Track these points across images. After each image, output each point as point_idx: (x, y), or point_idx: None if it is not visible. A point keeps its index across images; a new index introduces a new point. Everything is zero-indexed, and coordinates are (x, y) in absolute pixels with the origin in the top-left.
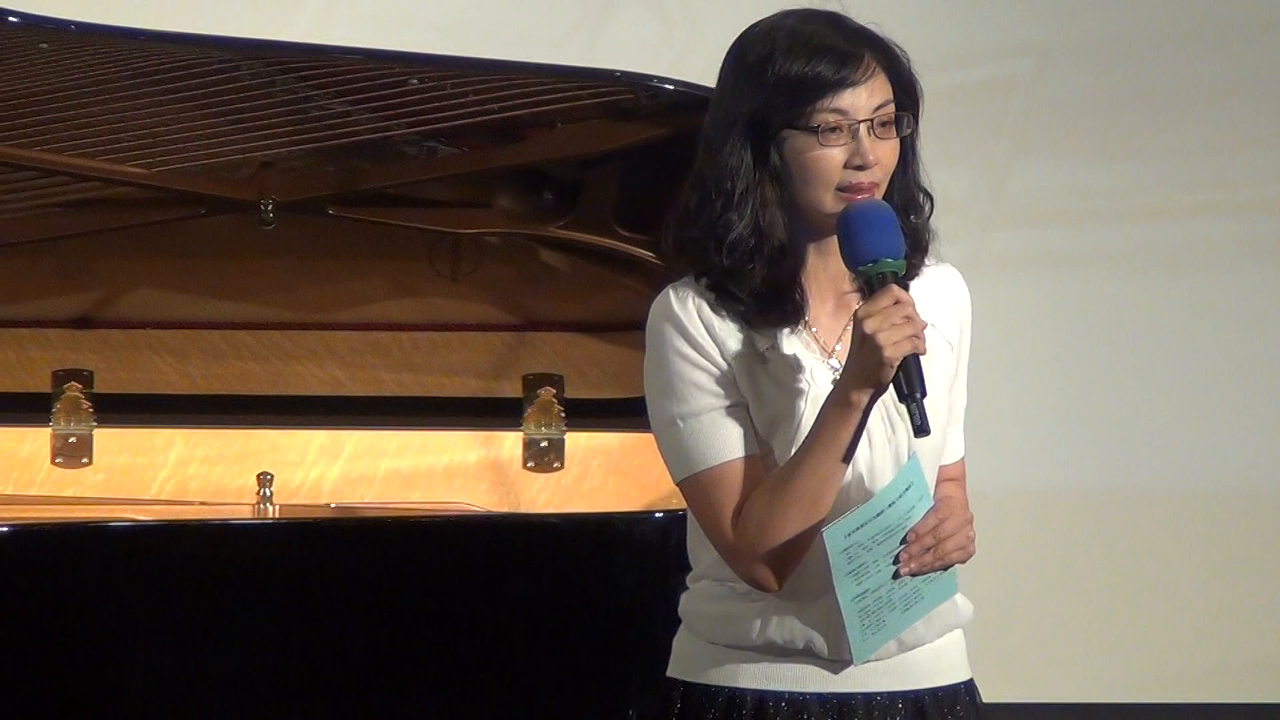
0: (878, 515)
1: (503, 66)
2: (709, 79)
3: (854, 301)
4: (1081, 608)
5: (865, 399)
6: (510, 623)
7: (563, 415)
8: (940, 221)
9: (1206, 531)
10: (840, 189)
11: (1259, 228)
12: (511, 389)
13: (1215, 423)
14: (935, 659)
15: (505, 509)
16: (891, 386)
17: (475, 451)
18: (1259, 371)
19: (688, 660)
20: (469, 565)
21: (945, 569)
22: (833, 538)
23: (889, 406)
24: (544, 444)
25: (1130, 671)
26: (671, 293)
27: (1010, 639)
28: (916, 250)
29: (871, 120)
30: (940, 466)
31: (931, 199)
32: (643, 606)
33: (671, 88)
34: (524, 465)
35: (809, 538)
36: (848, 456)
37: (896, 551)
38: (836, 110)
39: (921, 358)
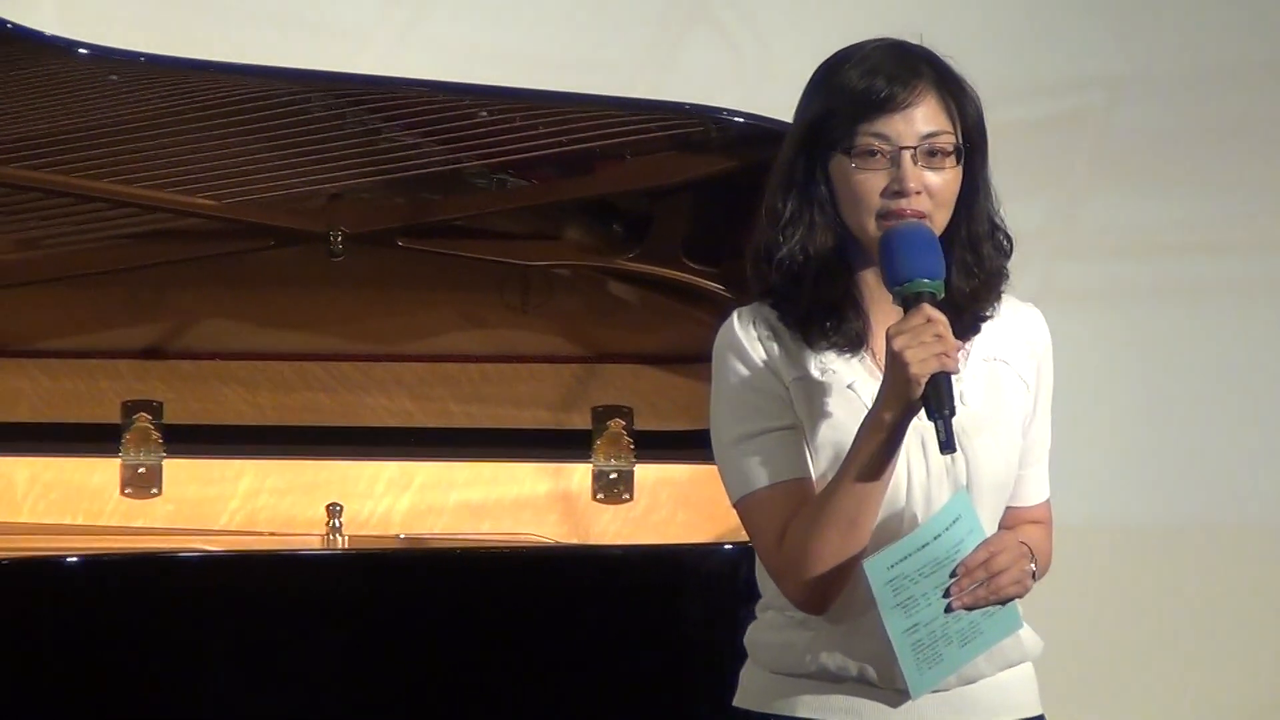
0: (923, 547)
1: (573, 99)
2: (779, 112)
3: None
4: (1160, 641)
5: (896, 417)
6: (579, 655)
7: (632, 447)
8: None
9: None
10: (882, 215)
11: None
12: (581, 420)
13: None
14: (1000, 693)
15: (574, 540)
16: (924, 406)
17: (544, 483)
18: None
19: (751, 691)
20: (538, 597)
21: (1002, 604)
22: (874, 569)
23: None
24: (613, 475)
25: (1211, 707)
26: (735, 316)
27: (1089, 675)
28: (989, 288)
29: (915, 148)
30: (1021, 508)
31: (1010, 239)
32: (712, 638)
33: (741, 120)
34: (593, 497)
35: (852, 561)
36: (884, 476)
37: (947, 585)
38: (878, 134)
39: (979, 387)
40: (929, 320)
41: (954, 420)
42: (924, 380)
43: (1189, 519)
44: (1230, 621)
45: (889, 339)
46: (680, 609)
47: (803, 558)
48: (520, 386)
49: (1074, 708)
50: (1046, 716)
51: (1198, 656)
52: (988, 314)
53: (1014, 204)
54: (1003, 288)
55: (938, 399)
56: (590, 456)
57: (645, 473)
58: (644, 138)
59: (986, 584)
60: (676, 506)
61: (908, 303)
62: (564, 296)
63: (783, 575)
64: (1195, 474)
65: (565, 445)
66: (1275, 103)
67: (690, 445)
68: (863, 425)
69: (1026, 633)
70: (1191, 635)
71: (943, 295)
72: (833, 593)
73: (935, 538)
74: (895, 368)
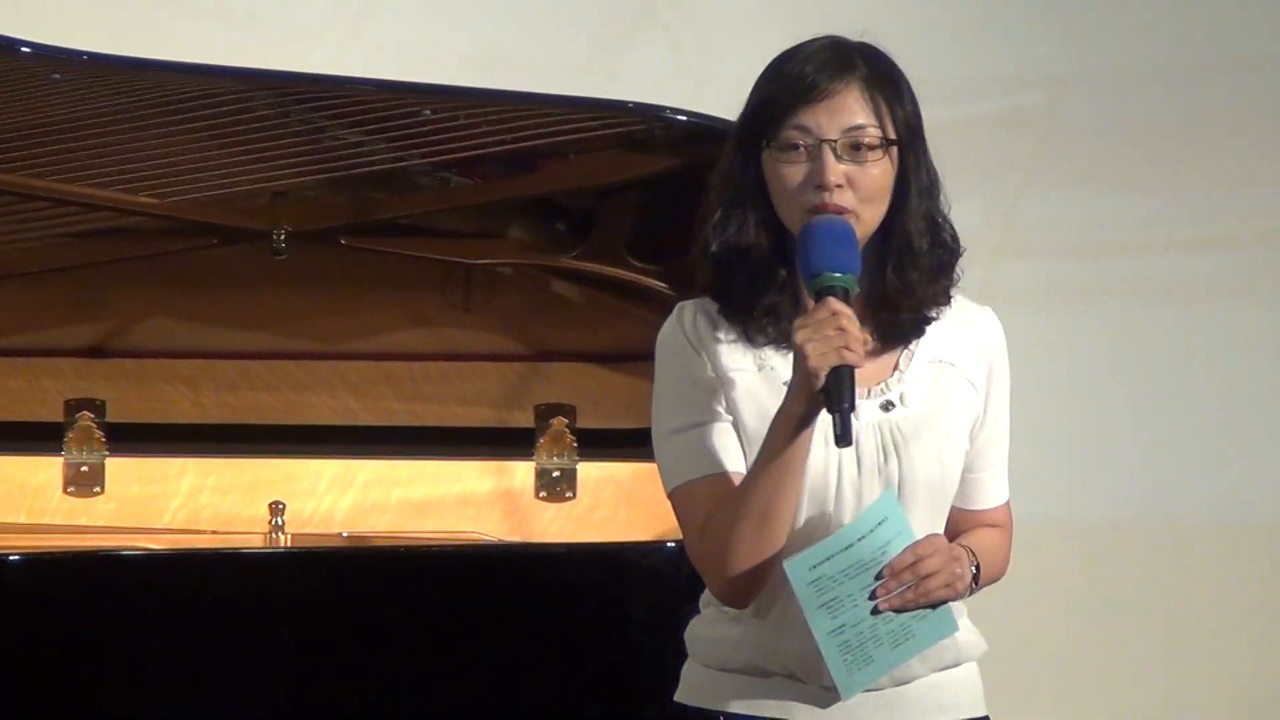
0: (846, 549)
1: (516, 97)
2: (722, 110)
3: None
4: (1119, 640)
5: (802, 410)
6: (522, 652)
7: (575, 445)
8: None
9: (1229, 563)
10: (806, 210)
11: (1272, 260)
12: (524, 419)
13: (1229, 453)
14: (937, 693)
15: (517, 538)
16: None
17: (487, 481)
18: (1275, 402)
19: (690, 686)
20: (481, 595)
21: (933, 607)
22: (795, 569)
23: (884, 433)
24: (556, 474)
25: (1172, 703)
26: (678, 310)
27: (1046, 674)
28: (927, 287)
29: (836, 141)
30: (978, 511)
31: (955, 238)
32: (654, 636)
33: (684, 119)
34: (536, 495)
35: (772, 557)
36: (795, 470)
37: (874, 587)
38: (799, 127)
39: (921, 388)
40: (834, 314)
41: (894, 420)
42: (823, 373)
43: (1137, 515)
44: (1189, 618)
45: (793, 332)
46: (623, 606)
47: (721, 550)
48: (463, 385)
49: (1036, 706)
50: (995, 716)
51: (1158, 654)
52: (932, 315)
53: (955, 202)
54: (951, 288)
55: (838, 392)
56: (533, 455)
57: (588, 471)
58: (587, 136)
59: (915, 586)
60: (619, 504)
61: (820, 296)
62: (507, 295)
63: (704, 567)
64: (1139, 470)
65: (508, 443)
66: (1216, 101)
67: (633, 443)
68: (774, 418)
69: (966, 634)
70: (1151, 633)
71: (856, 290)
72: (753, 587)
73: (860, 539)
74: (798, 360)
